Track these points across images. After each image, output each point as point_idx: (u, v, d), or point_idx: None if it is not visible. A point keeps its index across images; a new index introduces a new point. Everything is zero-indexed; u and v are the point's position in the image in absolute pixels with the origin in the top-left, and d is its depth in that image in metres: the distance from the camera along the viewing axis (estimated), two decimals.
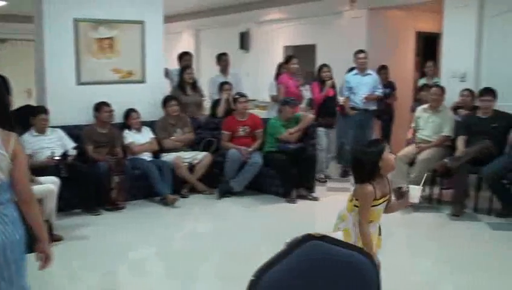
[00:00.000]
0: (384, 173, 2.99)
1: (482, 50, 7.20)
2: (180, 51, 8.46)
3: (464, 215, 5.64)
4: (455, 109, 6.62)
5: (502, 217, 5.52)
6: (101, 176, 5.80)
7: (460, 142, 5.99)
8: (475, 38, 7.17)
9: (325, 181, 7.20)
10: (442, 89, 6.46)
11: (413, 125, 6.51)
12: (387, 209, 3.10)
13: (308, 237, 1.73)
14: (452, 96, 6.83)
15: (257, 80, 10.34)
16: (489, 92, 5.97)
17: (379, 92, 7.58)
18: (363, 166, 2.99)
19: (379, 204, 2.99)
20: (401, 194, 3.27)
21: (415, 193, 3.02)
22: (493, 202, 5.68)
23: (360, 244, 2.89)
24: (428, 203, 6.10)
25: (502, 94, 6.05)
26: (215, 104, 7.41)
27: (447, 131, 6.20)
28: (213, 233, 5.25)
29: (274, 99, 7.43)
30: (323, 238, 1.76)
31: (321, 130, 7.11)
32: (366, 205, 2.94)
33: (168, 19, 8.59)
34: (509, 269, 4.16)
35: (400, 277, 3.87)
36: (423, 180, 3.12)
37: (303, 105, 7.30)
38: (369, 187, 2.92)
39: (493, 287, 3.87)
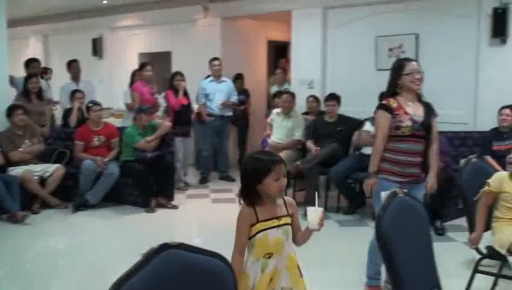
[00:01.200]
0: (267, 197, 2.43)
1: (327, 58, 7.74)
2: (28, 57, 7.98)
3: None
4: (304, 114, 7.03)
5: (348, 214, 5.96)
6: None
7: (310, 145, 6.36)
8: (320, 48, 7.68)
9: (185, 189, 7.21)
10: (292, 95, 6.81)
11: (269, 121, 6.82)
12: (296, 239, 2.57)
13: (165, 246, 1.74)
14: (302, 102, 7.25)
15: (112, 87, 10.07)
16: (333, 98, 6.43)
17: (234, 98, 7.79)
18: (243, 178, 2.47)
19: (269, 228, 2.41)
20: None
21: (314, 216, 2.49)
22: (340, 201, 6.11)
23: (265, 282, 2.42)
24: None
25: (345, 99, 6.54)
26: (67, 113, 7.09)
27: (298, 135, 6.54)
28: (69, 249, 5.01)
29: (129, 107, 7.30)
30: (180, 246, 1.78)
31: (177, 139, 7.11)
32: (238, 229, 2.41)
33: (13, 23, 8.07)
34: (356, 262, 4.48)
35: None
36: (316, 200, 2.56)
37: (159, 113, 7.26)
38: (244, 208, 2.43)
39: (344, 279, 4.16)
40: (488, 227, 3.36)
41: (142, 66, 7.44)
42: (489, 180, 3.30)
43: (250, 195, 2.42)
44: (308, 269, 4.29)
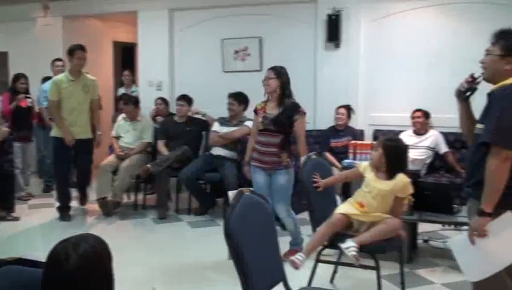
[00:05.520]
0: None
1: (175, 60, 7.76)
2: None
3: (168, 217, 5.97)
4: (154, 117, 6.97)
5: (199, 215, 6.03)
6: None
7: (160, 146, 6.33)
8: (168, 50, 7.68)
9: (27, 198, 6.77)
10: (134, 104, 6.61)
11: (113, 133, 6.59)
12: None
13: (1, 263, 1.64)
14: (150, 104, 7.18)
15: None
16: (182, 98, 6.48)
17: None
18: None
19: None
20: None
21: None
22: (191, 202, 6.15)
23: None
24: (134, 209, 6.29)
25: (194, 101, 6.60)
26: None
27: (147, 138, 6.45)
28: None
29: None
30: (19, 261, 1.69)
31: (17, 145, 6.64)
32: None
33: None
34: (211, 261, 4.56)
35: None
36: None
37: None
38: None
39: (199, 279, 4.20)
40: None
41: None
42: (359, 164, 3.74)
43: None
44: (166, 273, 4.30)
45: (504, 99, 2.43)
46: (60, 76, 5.98)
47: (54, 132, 5.90)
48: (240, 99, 5.98)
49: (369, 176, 3.52)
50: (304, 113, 4.35)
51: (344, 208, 3.50)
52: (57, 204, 5.99)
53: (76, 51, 5.91)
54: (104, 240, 1.68)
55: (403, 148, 3.58)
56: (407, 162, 3.63)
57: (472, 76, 2.68)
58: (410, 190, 3.46)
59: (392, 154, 3.44)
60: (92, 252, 1.59)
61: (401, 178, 3.43)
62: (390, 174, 3.44)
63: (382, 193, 3.43)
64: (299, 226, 4.54)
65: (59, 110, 5.77)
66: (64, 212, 5.90)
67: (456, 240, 2.70)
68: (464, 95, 2.70)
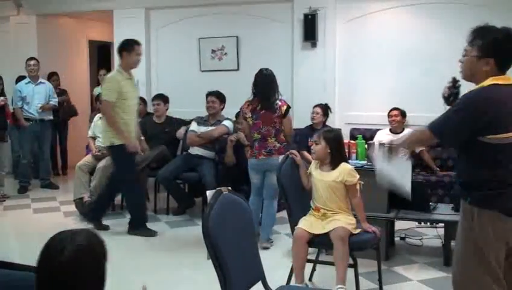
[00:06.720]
0: None
1: (152, 59, 7.71)
2: None
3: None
4: None
5: (178, 215, 6.00)
6: None
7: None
8: (144, 49, 7.56)
9: (2, 200, 6.66)
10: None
11: (90, 133, 6.52)
12: None
13: None
14: None
15: None
16: (158, 97, 6.46)
17: (54, 101, 7.38)
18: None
19: None
20: None
21: None
22: (170, 202, 6.12)
23: None
24: (111, 210, 6.22)
25: (171, 100, 6.56)
26: None
27: None
28: None
29: None
30: None
31: None
32: None
33: None
34: (188, 261, 4.54)
35: None
36: None
37: None
38: None
39: (177, 279, 4.18)
40: None
41: None
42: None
43: None
44: (144, 274, 4.27)
45: (464, 101, 2.43)
46: (115, 73, 5.28)
47: (118, 139, 5.08)
48: (220, 98, 5.96)
49: (315, 173, 3.62)
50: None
51: (303, 222, 3.53)
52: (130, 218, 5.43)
53: (135, 46, 5.20)
54: (101, 237, 1.65)
55: (341, 137, 3.76)
56: (345, 151, 3.91)
57: (454, 79, 2.71)
58: (356, 174, 3.55)
59: (334, 144, 3.57)
60: (87, 246, 1.57)
61: (344, 165, 3.57)
62: (333, 165, 3.56)
63: (332, 185, 3.51)
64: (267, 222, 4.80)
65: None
66: (146, 227, 5.33)
67: (380, 150, 2.97)
68: (448, 100, 2.74)
